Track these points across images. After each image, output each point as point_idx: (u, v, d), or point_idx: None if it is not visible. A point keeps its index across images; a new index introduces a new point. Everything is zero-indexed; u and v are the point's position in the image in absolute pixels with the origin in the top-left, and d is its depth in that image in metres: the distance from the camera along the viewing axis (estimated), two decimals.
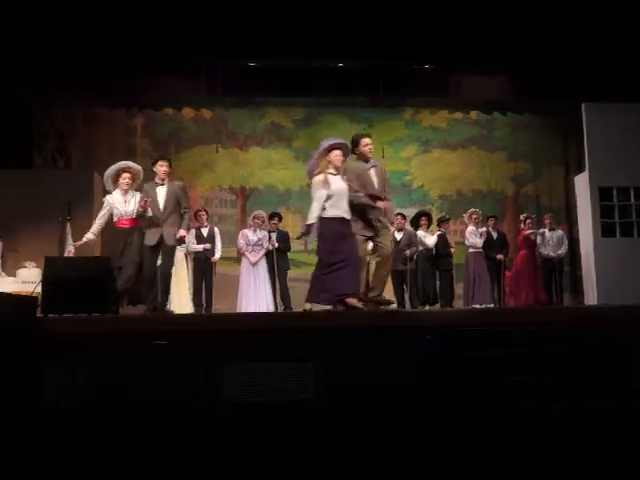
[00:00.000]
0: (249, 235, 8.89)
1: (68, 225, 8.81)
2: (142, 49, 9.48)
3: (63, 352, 4.18)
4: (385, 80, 10.34)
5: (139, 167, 6.94)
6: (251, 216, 9.22)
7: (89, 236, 6.76)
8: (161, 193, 6.62)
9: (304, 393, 4.29)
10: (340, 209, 5.73)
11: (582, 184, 9.60)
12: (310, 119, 11.71)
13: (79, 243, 6.83)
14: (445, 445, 3.92)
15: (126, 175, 6.77)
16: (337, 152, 5.83)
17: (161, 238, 6.50)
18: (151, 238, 6.49)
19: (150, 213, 6.53)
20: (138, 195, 6.71)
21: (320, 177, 5.77)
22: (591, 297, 9.18)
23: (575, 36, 9.29)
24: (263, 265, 8.84)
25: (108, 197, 6.78)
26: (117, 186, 6.76)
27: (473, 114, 11.92)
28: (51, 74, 9.83)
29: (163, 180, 6.67)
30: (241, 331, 4.62)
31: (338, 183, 5.80)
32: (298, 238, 6.39)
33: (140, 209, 6.47)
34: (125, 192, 6.72)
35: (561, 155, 11.78)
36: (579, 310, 6.40)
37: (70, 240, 8.74)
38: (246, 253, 8.82)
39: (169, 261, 6.69)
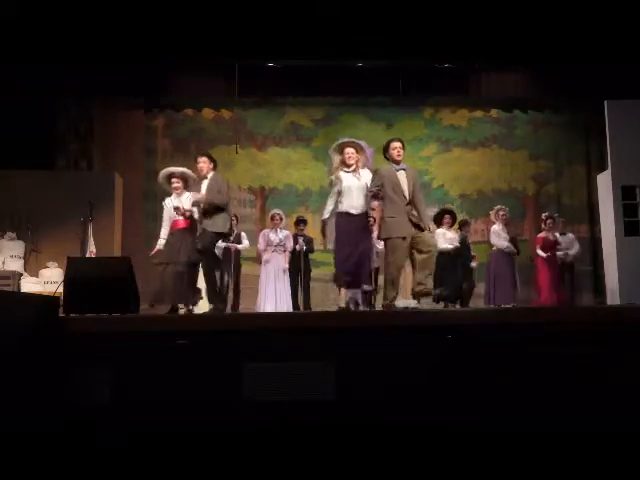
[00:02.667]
0: (270, 236, 8.79)
1: (90, 226, 8.92)
2: (163, 51, 9.56)
3: (84, 352, 4.21)
4: (405, 79, 10.31)
5: (182, 169, 6.97)
6: (269, 217, 9.12)
7: (161, 241, 6.86)
8: (203, 187, 6.62)
9: (325, 393, 4.29)
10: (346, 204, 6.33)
11: (604, 183, 9.48)
12: (329, 119, 11.71)
13: (154, 251, 6.86)
14: (466, 446, 3.90)
15: (174, 180, 6.89)
16: (349, 150, 6.44)
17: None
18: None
19: (196, 215, 6.60)
20: (187, 194, 6.84)
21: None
22: (613, 297, 9.07)
23: (597, 35, 9.22)
24: (285, 266, 8.78)
25: (166, 200, 6.94)
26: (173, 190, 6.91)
27: (494, 112, 11.87)
28: (73, 76, 9.95)
29: (205, 175, 6.65)
30: (262, 331, 4.62)
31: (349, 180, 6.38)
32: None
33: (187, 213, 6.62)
34: (179, 195, 6.85)
35: (583, 153, 11.68)
36: (601, 310, 6.33)
37: (92, 240, 8.85)
38: (265, 254, 8.76)
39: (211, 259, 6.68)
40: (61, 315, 4.67)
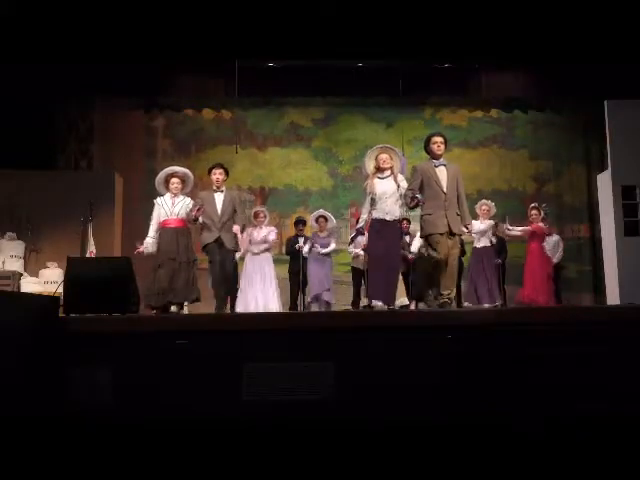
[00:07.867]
0: (253, 234, 8.50)
1: (90, 226, 8.92)
2: (163, 51, 9.56)
3: (84, 352, 4.21)
4: (405, 79, 10.31)
5: (185, 170, 7.01)
6: (252, 214, 8.77)
7: (149, 240, 6.84)
8: (219, 200, 6.72)
9: (325, 393, 4.28)
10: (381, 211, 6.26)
11: (604, 183, 9.47)
12: (329, 119, 11.70)
13: (141, 249, 6.83)
14: (466, 446, 3.90)
15: (174, 180, 6.86)
16: (383, 156, 6.40)
17: (218, 240, 6.58)
18: (207, 238, 6.62)
19: (201, 220, 6.62)
20: (188, 200, 6.81)
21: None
22: (613, 297, 9.06)
23: (597, 35, 9.22)
24: (269, 263, 8.48)
25: (158, 199, 6.89)
26: (168, 190, 6.84)
27: (494, 112, 11.85)
28: (74, 76, 9.94)
29: (219, 187, 6.78)
30: (262, 331, 4.62)
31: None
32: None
33: (193, 215, 6.52)
34: (175, 195, 6.82)
35: (583, 153, 11.67)
36: (601, 310, 6.33)
37: (92, 240, 8.85)
38: (247, 254, 8.43)
39: (229, 265, 6.78)
40: (61, 315, 4.67)
